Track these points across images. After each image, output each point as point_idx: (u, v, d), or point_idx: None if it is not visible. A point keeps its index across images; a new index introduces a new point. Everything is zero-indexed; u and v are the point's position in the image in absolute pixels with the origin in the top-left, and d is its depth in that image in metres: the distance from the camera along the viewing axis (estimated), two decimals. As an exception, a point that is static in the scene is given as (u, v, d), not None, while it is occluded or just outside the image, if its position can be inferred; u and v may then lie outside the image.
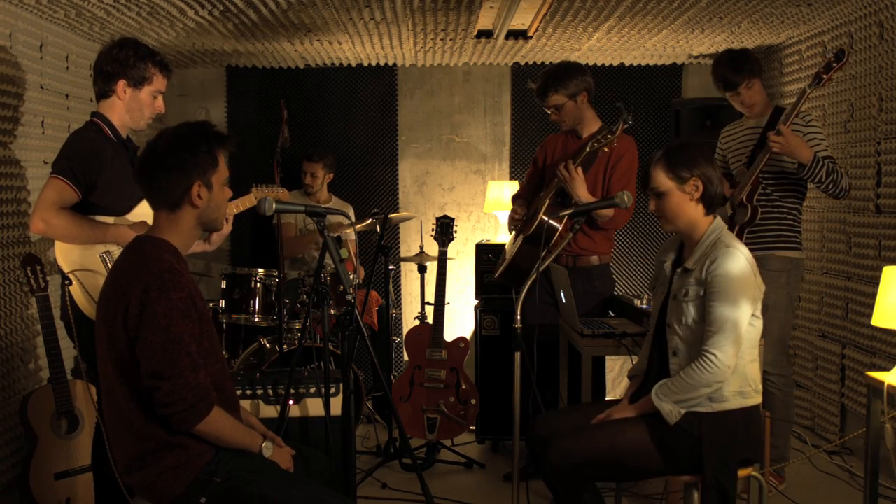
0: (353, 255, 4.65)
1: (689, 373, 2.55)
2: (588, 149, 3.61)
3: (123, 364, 2.18)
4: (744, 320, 2.55)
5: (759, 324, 2.64)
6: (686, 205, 2.66)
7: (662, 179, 2.67)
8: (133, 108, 3.05)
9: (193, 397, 2.15)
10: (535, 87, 3.84)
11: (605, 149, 3.60)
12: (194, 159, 2.26)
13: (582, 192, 3.64)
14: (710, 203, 2.67)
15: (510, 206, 4.09)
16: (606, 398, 4.42)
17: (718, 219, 2.71)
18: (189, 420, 2.17)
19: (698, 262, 2.63)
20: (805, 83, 4.79)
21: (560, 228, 3.63)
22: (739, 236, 3.63)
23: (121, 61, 2.99)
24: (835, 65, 3.45)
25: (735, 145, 3.88)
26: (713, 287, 2.56)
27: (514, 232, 4.00)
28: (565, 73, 3.78)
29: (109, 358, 2.21)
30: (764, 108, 3.79)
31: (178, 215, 2.30)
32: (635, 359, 3.34)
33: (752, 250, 3.65)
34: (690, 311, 2.63)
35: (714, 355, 2.52)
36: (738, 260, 2.56)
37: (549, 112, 3.86)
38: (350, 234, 5.12)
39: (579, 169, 3.64)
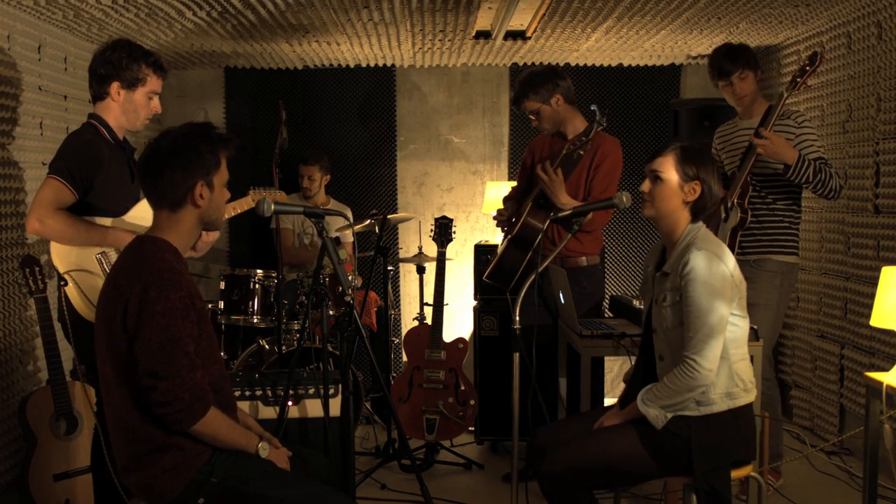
0: (349, 257, 4.66)
1: (672, 378, 2.54)
2: (564, 152, 3.61)
3: (122, 364, 2.18)
4: (721, 322, 2.52)
5: (743, 323, 2.62)
6: (676, 201, 2.64)
7: (669, 167, 2.65)
8: (128, 110, 3.05)
9: (191, 397, 2.15)
10: (513, 95, 3.90)
11: (581, 152, 3.60)
12: (198, 159, 2.27)
13: (561, 194, 3.64)
14: (699, 212, 2.65)
15: (503, 206, 4.09)
16: (605, 400, 4.42)
17: (699, 224, 2.68)
18: (185, 420, 2.17)
19: (673, 266, 2.62)
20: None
21: (543, 229, 3.63)
22: (733, 239, 3.62)
23: (114, 63, 2.99)
24: (808, 68, 3.45)
25: (728, 146, 3.87)
26: (686, 291, 2.54)
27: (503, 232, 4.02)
28: (537, 78, 3.80)
29: (108, 358, 2.22)
30: (755, 107, 3.76)
31: (179, 215, 2.30)
32: (634, 360, 3.34)
33: (747, 253, 3.66)
34: (669, 316, 2.62)
35: (694, 360, 2.50)
36: (709, 261, 2.52)
37: (531, 118, 3.88)
38: (348, 237, 5.12)
39: (559, 171, 3.64)
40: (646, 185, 2.71)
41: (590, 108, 3.57)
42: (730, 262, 2.58)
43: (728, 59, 3.69)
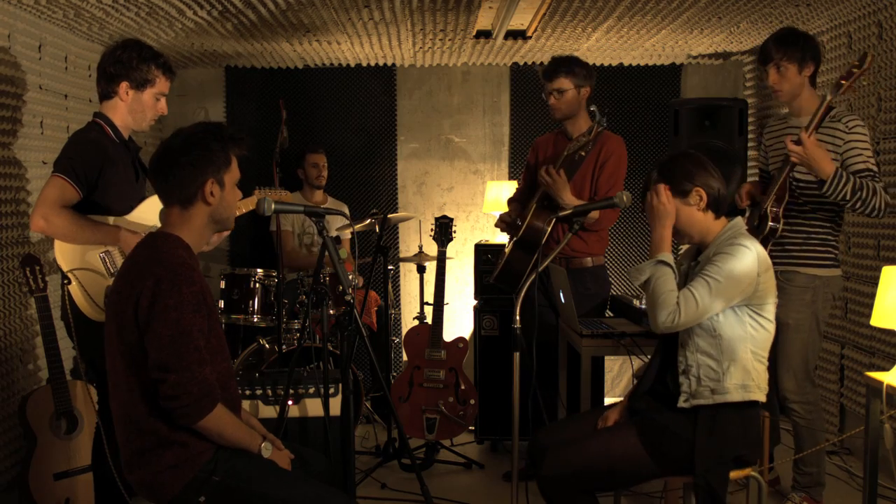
0: (350, 256, 4.65)
1: (669, 289, 2.57)
2: (566, 153, 3.61)
3: (132, 356, 2.20)
4: (726, 291, 2.52)
5: (770, 327, 2.62)
6: (695, 216, 2.66)
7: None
8: (135, 110, 3.06)
9: (199, 391, 2.16)
10: (544, 67, 3.84)
11: (582, 152, 3.59)
12: (208, 156, 2.31)
13: (565, 195, 3.63)
14: (718, 207, 2.67)
15: (507, 207, 4.10)
16: (605, 399, 4.42)
17: (738, 219, 2.70)
18: (192, 415, 2.17)
19: (708, 252, 2.65)
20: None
21: (547, 230, 3.63)
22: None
23: (124, 63, 3.00)
24: (856, 70, 3.11)
25: (775, 143, 3.56)
26: (710, 262, 2.58)
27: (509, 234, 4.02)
28: (578, 62, 3.81)
29: (117, 351, 2.23)
30: (803, 104, 3.41)
31: (190, 212, 2.33)
32: (635, 359, 3.35)
33: (776, 265, 3.27)
34: None
35: (691, 291, 2.53)
36: (744, 253, 2.54)
37: (550, 95, 3.82)
38: (346, 235, 5.12)
39: (561, 172, 3.64)
40: None
41: (589, 109, 3.55)
42: (764, 261, 2.59)
43: (777, 42, 3.34)
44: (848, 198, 3.14)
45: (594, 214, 3.70)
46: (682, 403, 2.61)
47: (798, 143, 3.14)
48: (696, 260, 2.74)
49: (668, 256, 2.64)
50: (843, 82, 3.13)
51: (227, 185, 2.36)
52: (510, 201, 4.11)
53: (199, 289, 2.23)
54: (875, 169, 3.24)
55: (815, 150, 3.12)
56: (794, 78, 3.35)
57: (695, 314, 2.53)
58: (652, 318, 2.60)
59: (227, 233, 3.00)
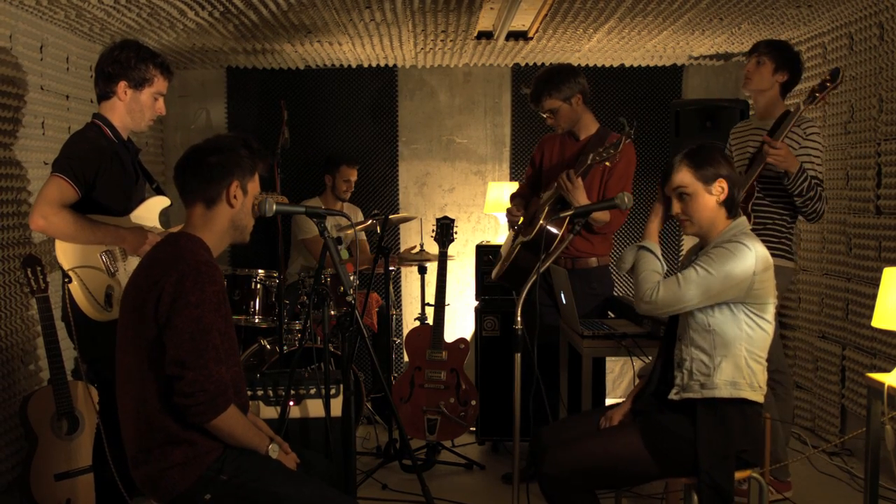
0: (363, 253, 4.62)
1: (652, 272, 2.67)
2: (589, 161, 3.60)
3: (148, 352, 2.21)
4: (715, 285, 2.53)
5: (768, 327, 2.62)
6: (711, 205, 2.65)
7: (689, 180, 2.64)
8: (134, 110, 3.07)
9: (215, 390, 2.17)
10: (529, 92, 3.85)
11: (608, 163, 3.60)
12: (237, 160, 2.36)
13: (583, 201, 3.64)
14: (732, 206, 2.67)
15: (510, 206, 4.10)
16: (606, 400, 4.42)
17: (742, 218, 2.70)
18: (207, 412, 2.18)
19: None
20: (805, 83, 4.80)
21: (560, 234, 3.63)
22: None
23: (122, 62, 3.01)
24: (829, 84, 3.39)
25: (740, 144, 3.78)
26: (706, 254, 2.60)
27: (511, 231, 4.01)
28: (558, 76, 3.77)
29: (132, 346, 2.24)
30: (771, 107, 3.66)
31: (213, 213, 2.36)
32: (636, 360, 3.35)
33: None
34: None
35: (677, 274, 2.60)
36: (743, 252, 2.53)
37: (545, 116, 3.86)
38: (359, 235, 5.13)
39: (580, 179, 3.64)
40: (676, 207, 2.70)
41: (618, 119, 3.53)
42: (765, 262, 2.58)
43: (767, 42, 3.65)
44: (804, 193, 3.42)
45: (604, 217, 3.71)
46: (672, 396, 2.63)
47: (770, 147, 3.38)
48: (696, 255, 2.74)
49: (652, 244, 2.71)
50: (817, 95, 3.42)
51: (249, 194, 2.40)
52: (513, 197, 4.11)
53: (220, 289, 2.26)
54: (821, 178, 3.51)
55: (789, 153, 3.41)
56: (767, 75, 3.63)
57: (675, 295, 2.56)
58: (635, 297, 2.69)
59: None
